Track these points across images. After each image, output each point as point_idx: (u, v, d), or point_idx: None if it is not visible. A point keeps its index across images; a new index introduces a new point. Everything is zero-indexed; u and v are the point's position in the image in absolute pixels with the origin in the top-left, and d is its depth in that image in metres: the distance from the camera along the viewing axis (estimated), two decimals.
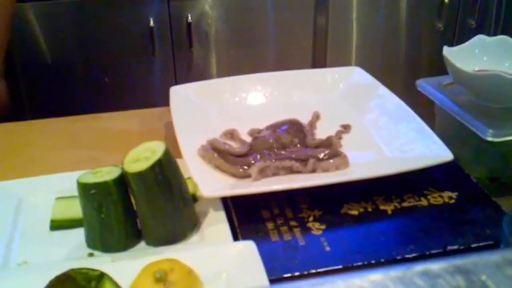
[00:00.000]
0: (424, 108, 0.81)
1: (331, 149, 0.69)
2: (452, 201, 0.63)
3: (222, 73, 1.71)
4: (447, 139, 0.69)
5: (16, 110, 1.55)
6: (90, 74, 1.65)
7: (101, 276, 0.48)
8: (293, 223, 0.60)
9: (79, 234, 0.59)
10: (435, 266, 0.25)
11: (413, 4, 1.82)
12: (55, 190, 0.65)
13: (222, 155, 0.67)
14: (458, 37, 1.88)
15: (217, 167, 0.66)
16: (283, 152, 0.69)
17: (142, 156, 0.57)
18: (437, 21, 1.85)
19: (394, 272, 0.24)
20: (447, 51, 0.80)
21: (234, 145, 0.71)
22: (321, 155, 0.67)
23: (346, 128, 0.76)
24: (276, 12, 1.72)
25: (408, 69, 1.91)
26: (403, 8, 1.83)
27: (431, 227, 0.59)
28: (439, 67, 0.84)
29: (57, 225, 0.60)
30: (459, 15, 1.86)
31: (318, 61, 1.82)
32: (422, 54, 1.90)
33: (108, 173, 0.57)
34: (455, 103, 0.77)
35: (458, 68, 0.76)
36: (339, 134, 0.75)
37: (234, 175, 0.65)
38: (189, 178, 0.62)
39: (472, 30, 1.85)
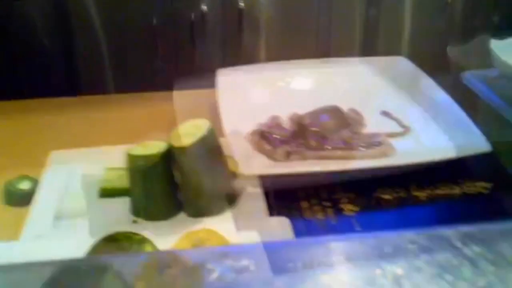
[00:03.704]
0: (473, 100, 0.81)
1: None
2: (485, 191, 0.64)
3: (270, 59, 1.73)
4: (489, 132, 0.69)
5: (69, 86, 1.61)
6: (142, 55, 1.69)
7: (143, 240, 0.52)
8: (326, 203, 0.62)
9: (124, 202, 0.63)
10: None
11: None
12: (104, 161, 0.69)
13: (266, 139, 0.70)
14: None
15: (260, 150, 0.69)
16: (327, 141, 0.71)
17: (187, 132, 0.60)
18: (493, 14, 1.82)
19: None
20: (494, 44, 0.80)
21: (278, 131, 0.73)
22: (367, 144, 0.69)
23: (386, 114, 0.78)
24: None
25: (460, 62, 1.88)
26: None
27: (462, 215, 0.60)
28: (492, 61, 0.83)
29: (105, 193, 0.64)
30: None
31: (368, 51, 1.81)
32: (474, 47, 1.87)
33: (155, 147, 0.60)
34: (499, 97, 0.77)
35: (504, 62, 0.76)
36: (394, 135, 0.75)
37: (274, 159, 0.68)
38: (230, 156, 0.65)
39: None
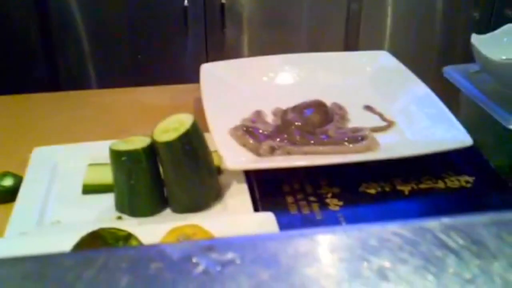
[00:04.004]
0: (454, 94, 0.82)
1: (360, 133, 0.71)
2: (468, 185, 0.64)
3: (253, 55, 1.73)
4: (471, 126, 0.70)
5: (51, 82, 1.60)
6: (124, 51, 1.68)
7: (128, 236, 0.52)
8: (312, 198, 0.62)
9: (109, 198, 0.62)
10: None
11: None
12: (88, 157, 0.69)
13: (251, 134, 0.70)
14: (494, 27, 1.86)
15: (244, 145, 0.69)
16: (311, 135, 0.71)
17: (171, 127, 0.60)
18: (473, 10, 1.84)
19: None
20: (475, 39, 0.80)
21: (262, 125, 0.73)
22: (351, 139, 0.69)
23: (368, 109, 0.78)
24: None
25: (441, 57, 1.90)
26: None
27: (446, 209, 0.61)
28: (473, 56, 0.85)
29: (89, 189, 0.64)
30: (495, 5, 1.84)
31: (350, 46, 1.82)
32: (456, 42, 1.89)
33: (138, 142, 0.60)
34: (480, 91, 0.78)
35: (485, 56, 0.77)
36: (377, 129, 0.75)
37: (258, 154, 0.68)
38: (215, 151, 0.65)
39: (509, 20, 1.82)
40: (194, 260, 0.22)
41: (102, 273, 0.21)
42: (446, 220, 0.26)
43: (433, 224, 0.26)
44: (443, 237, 0.25)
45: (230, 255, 0.22)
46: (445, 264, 0.24)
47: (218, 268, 0.22)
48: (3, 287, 0.22)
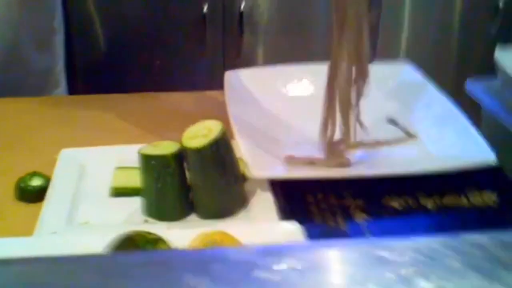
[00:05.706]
0: (473, 108, 0.82)
1: None
2: (491, 203, 0.65)
3: (270, 62, 1.74)
4: (493, 142, 0.70)
5: (69, 86, 1.61)
6: (143, 56, 1.70)
7: (157, 240, 0.52)
8: (336, 209, 0.63)
9: (136, 202, 0.63)
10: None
11: (467, 6, 1.81)
12: (114, 160, 0.69)
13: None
14: None
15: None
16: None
17: (200, 134, 0.60)
18: (492, 19, 1.83)
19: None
20: (499, 53, 0.80)
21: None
22: None
23: (392, 122, 0.78)
24: (329, 4, 1.73)
25: (459, 68, 1.90)
26: (458, 6, 1.81)
27: (469, 226, 0.61)
28: (491, 68, 0.85)
29: (117, 192, 0.65)
30: None
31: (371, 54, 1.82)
32: (475, 52, 1.89)
33: (167, 147, 0.61)
34: (502, 107, 0.78)
35: (507, 72, 0.77)
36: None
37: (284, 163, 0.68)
38: (240, 158, 0.66)
39: None
40: (254, 264, 0.23)
41: (168, 272, 0.22)
42: (498, 235, 0.27)
43: (483, 238, 0.27)
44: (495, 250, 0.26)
45: (289, 262, 0.23)
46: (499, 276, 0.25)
47: (278, 275, 0.23)
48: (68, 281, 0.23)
